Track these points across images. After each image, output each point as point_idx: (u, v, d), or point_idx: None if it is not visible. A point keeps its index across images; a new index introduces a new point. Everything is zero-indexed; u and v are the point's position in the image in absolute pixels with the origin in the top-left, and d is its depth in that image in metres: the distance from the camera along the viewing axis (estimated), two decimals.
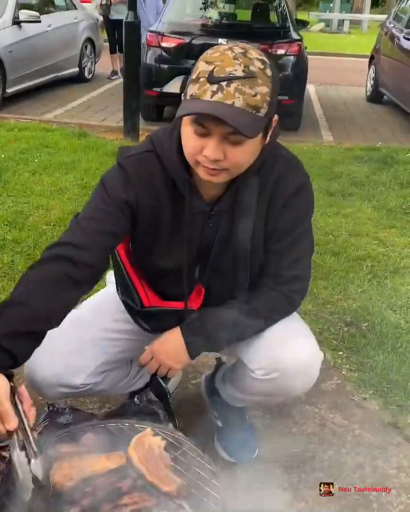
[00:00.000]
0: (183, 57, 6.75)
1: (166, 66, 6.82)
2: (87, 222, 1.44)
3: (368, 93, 9.51)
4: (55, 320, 1.37)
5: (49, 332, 1.62)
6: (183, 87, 6.51)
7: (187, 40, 6.74)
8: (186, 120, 1.33)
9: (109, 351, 1.66)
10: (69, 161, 5.08)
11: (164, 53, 6.82)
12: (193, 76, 1.30)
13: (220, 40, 6.50)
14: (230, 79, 1.25)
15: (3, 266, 3.14)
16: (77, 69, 9.45)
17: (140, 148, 1.51)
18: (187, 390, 2.27)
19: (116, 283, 1.77)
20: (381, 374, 2.38)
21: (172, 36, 6.80)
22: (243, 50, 1.29)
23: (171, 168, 1.46)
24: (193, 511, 1.17)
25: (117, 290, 1.76)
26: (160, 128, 1.54)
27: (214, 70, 1.25)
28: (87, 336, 1.64)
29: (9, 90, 7.61)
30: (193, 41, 6.70)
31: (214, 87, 1.25)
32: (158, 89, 6.79)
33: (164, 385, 1.64)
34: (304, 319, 2.70)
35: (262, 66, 1.29)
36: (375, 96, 9.20)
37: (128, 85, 6.14)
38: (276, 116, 1.37)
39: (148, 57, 6.85)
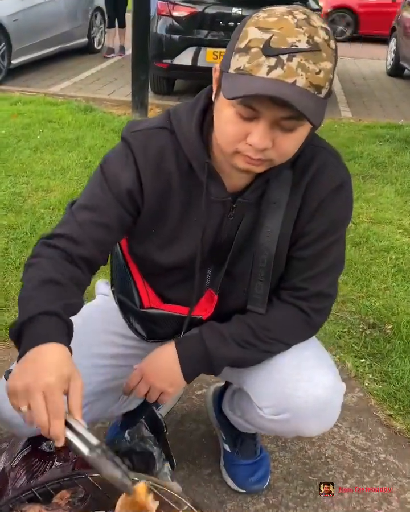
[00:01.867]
0: (195, 27, 6.41)
1: (177, 36, 6.47)
2: (82, 212, 1.23)
3: (389, 67, 9.14)
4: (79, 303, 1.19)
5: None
6: (195, 59, 6.36)
7: (199, 8, 6.36)
8: (225, 100, 1.06)
9: (95, 381, 1.39)
10: (73, 137, 4.81)
11: (175, 23, 6.46)
12: (241, 45, 1.02)
13: (235, 9, 6.17)
14: (292, 52, 0.98)
15: None
16: (85, 40, 9.13)
17: (153, 123, 1.26)
18: (190, 402, 2.03)
19: (112, 280, 1.52)
20: (408, 386, 2.13)
21: (183, 4, 6.42)
22: (305, 16, 1.02)
23: (188, 149, 1.21)
24: None
25: (112, 288, 1.52)
26: (182, 103, 1.28)
27: (272, 39, 0.99)
28: None
29: (14, 62, 7.33)
30: (206, 10, 6.34)
31: (272, 61, 0.99)
32: (168, 61, 6.48)
33: (159, 415, 1.39)
34: None
35: (326, 37, 1.02)
36: (396, 70, 8.84)
37: (137, 57, 5.81)
38: None
39: (158, 27, 6.51)
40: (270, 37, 0.99)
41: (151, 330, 1.44)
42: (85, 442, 0.97)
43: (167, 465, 1.31)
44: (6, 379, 1.03)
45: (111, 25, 9.05)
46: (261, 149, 1.07)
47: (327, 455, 1.84)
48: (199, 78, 6.46)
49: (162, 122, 1.24)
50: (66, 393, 0.99)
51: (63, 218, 1.25)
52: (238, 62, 1.03)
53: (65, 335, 1.07)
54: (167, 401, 1.38)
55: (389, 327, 2.48)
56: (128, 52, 8.70)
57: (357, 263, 3.01)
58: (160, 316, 1.39)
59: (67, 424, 0.97)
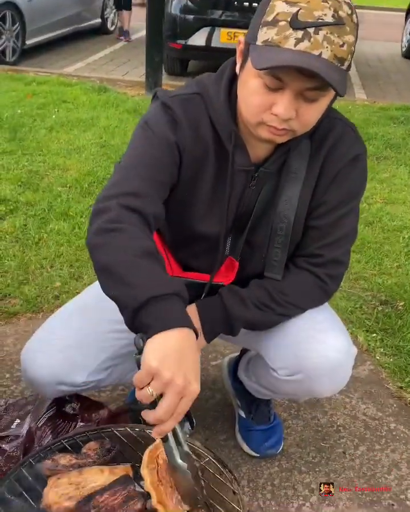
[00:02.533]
0: (209, 7, 6.41)
1: (191, 16, 6.47)
2: (140, 169, 1.21)
3: (404, 49, 9.06)
4: None
5: (46, 322, 1.44)
6: (209, 39, 6.35)
7: None
8: (253, 71, 1.10)
9: (115, 345, 1.45)
10: (88, 118, 4.84)
11: (189, 3, 6.45)
12: (268, 18, 1.07)
13: None
14: (319, 25, 1.03)
15: (15, 230, 2.95)
16: (99, 20, 9.12)
17: (186, 90, 1.29)
18: (205, 372, 2.09)
19: None
20: None
21: None
22: None
23: (216, 117, 1.25)
24: None
25: None
26: (205, 74, 1.31)
27: (300, 13, 1.04)
28: (89, 328, 1.42)
29: (28, 42, 7.34)
30: None
31: (299, 34, 1.04)
32: (183, 42, 6.48)
33: None
34: (336, 296, 2.53)
35: (349, 11, 1.07)
36: None
37: (151, 38, 5.82)
38: None
39: (173, 7, 6.51)
40: (298, 11, 1.03)
41: None
42: (179, 447, 1.04)
43: (187, 424, 1.36)
44: (136, 345, 1.02)
45: (119, 6, 8.94)
46: (285, 119, 1.12)
47: (338, 424, 1.90)
48: (213, 59, 6.44)
49: (193, 89, 1.27)
50: None
51: (118, 176, 1.22)
52: (266, 34, 1.07)
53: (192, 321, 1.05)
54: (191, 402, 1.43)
55: (401, 304, 2.52)
56: (138, 34, 8.76)
57: (370, 242, 3.04)
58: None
59: None
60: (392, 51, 9.40)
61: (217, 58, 6.75)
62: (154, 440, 1.15)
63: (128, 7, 8.82)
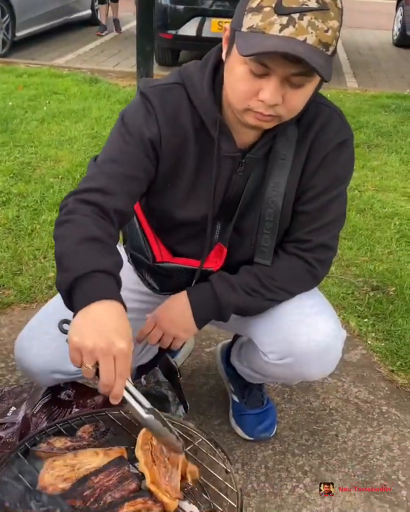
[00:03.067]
0: None
1: (182, 7, 6.46)
2: (110, 165, 1.24)
3: (395, 37, 9.05)
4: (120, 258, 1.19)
5: (40, 311, 1.46)
6: (200, 29, 6.32)
7: None
8: (239, 57, 1.11)
9: None
10: (79, 109, 4.84)
11: None
12: (253, 4, 1.07)
13: None
14: (303, 11, 1.04)
15: (7, 222, 2.96)
16: (89, 12, 9.08)
17: (167, 80, 1.30)
18: (199, 359, 2.11)
19: (123, 237, 1.58)
20: None
21: None
22: None
23: (200, 104, 1.26)
24: None
25: (124, 245, 1.59)
26: (190, 62, 1.32)
27: None
28: None
29: (19, 34, 7.31)
30: None
31: (284, 19, 1.04)
32: (173, 32, 6.47)
33: (173, 362, 1.47)
34: (327, 282, 2.55)
35: None
36: (403, 41, 8.76)
37: (142, 28, 5.76)
38: None
39: None
40: None
41: (163, 283, 1.50)
42: (141, 405, 1.06)
43: (181, 407, 1.38)
44: (61, 330, 1.08)
45: (102, 0, 8.61)
46: (271, 105, 1.13)
47: (331, 407, 1.92)
48: (204, 48, 6.35)
49: (175, 79, 1.29)
50: None
51: (89, 173, 1.26)
52: (251, 21, 1.08)
53: (117, 292, 1.09)
54: (178, 347, 1.45)
55: (392, 289, 2.55)
56: (129, 25, 8.68)
57: (361, 229, 3.07)
58: (172, 269, 1.45)
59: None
60: (382, 39, 9.40)
61: (208, 48, 6.67)
62: None
63: None
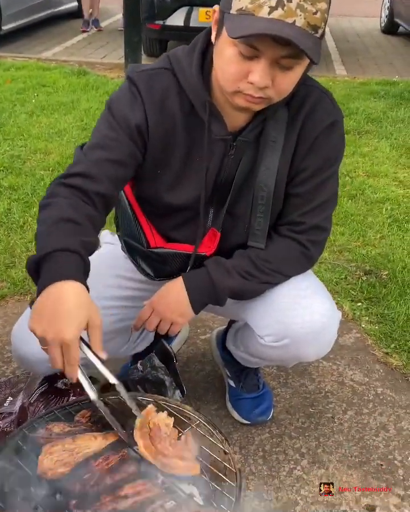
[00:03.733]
0: None
1: None
2: (94, 151, 1.26)
3: (383, 24, 9.03)
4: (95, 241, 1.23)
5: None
6: (188, 19, 6.29)
7: None
8: (228, 39, 1.11)
9: (106, 320, 1.45)
10: (68, 101, 4.81)
11: None
12: None
13: None
14: None
15: None
16: (75, 4, 8.99)
17: (155, 65, 1.30)
18: (195, 346, 2.12)
19: (117, 224, 1.58)
20: (404, 326, 2.21)
21: None
22: None
23: (189, 88, 1.26)
24: (204, 501, 1.03)
25: (118, 232, 1.59)
26: (179, 47, 1.32)
27: None
28: None
29: (5, 27, 7.25)
30: None
31: (273, 2, 1.04)
32: (161, 22, 6.43)
33: (169, 347, 1.47)
34: (320, 268, 2.56)
35: None
36: (390, 28, 8.74)
37: (129, 19, 5.75)
38: None
39: None
40: None
41: (158, 269, 1.50)
42: (92, 389, 1.11)
43: (177, 392, 1.39)
44: (31, 307, 1.09)
45: None
46: (261, 87, 1.13)
47: (326, 390, 1.94)
48: (192, 38, 6.37)
49: (164, 63, 1.29)
50: (86, 329, 1.06)
51: (75, 159, 1.28)
52: (240, 3, 1.08)
53: (81, 272, 1.10)
54: (176, 332, 1.45)
55: (385, 273, 2.56)
56: (116, 17, 8.55)
57: (353, 215, 3.08)
58: (166, 254, 1.46)
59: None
60: (370, 26, 9.38)
61: None
62: (145, 407, 1.17)
63: None
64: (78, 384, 1.59)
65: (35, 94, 4.96)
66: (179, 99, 1.27)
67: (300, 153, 1.33)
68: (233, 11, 1.09)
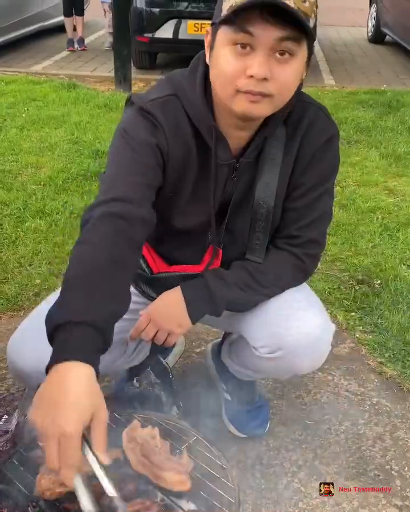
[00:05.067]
0: (175, 0, 6.37)
1: (157, 9, 6.44)
2: (126, 175, 1.22)
3: (370, 34, 9.12)
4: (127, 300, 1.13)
5: (31, 313, 1.45)
6: (176, 32, 6.33)
7: None
8: (222, 41, 1.12)
9: None
10: (59, 114, 4.82)
11: None
12: None
13: None
14: None
15: None
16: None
17: (160, 92, 1.29)
18: (190, 359, 2.12)
19: None
20: (398, 336, 2.23)
21: None
22: None
23: (194, 114, 1.26)
24: None
25: None
26: (176, 71, 1.33)
27: None
28: None
29: None
30: None
31: None
32: (150, 35, 6.46)
33: (165, 363, 1.47)
34: (314, 278, 2.57)
35: None
36: (377, 37, 8.83)
37: (118, 32, 5.80)
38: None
39: (138, 1, 6.47)
40: None
41: (162, 292, 1.49)
42: (92, 501, 0.93)
43: (174, 407, 1.39)
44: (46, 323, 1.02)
45: (67, 13, 7.84)
46: (261, 78, 1.11)
47: (322, 401, 1.94)
48: (181, 50, 6.46)
49: (168, 90, 1.28)
50: (88, 425, 0.93)
51: (105, 185, 1.23)
52: (228, 3, 1.09)
53: (97, 351, 1.01)
54: (173, 342, 1.45)
55: (378, 282, 2.57)
56: (102, 31, 8.55)
57: (344, 224, 3.09)
58: (171, 277, 1.47)
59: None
60: (357, 36, 9.46)
61: (185, 50, 6.72)
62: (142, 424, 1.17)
63: (81, 12, 7.96)
64: None
65: (25, 108, 4.97)
66: (190, 125, 1.28)
67: (299, 169, 1.35)
68: (225, 11, 1.10)
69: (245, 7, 1.06)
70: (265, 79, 1.12)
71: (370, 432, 1.82)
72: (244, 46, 1.11)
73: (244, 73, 1.12)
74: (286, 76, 1.15)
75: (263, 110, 1.19)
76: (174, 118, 1.27)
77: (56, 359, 0.97)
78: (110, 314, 1.04)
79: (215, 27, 1.15)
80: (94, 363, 0.98)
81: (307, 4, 1.08)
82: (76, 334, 0.98)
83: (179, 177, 1.31)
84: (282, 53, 1.11)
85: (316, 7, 1.13)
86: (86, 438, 0.92)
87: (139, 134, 1.24)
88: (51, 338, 1.01)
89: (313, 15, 1.11)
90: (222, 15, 1.11)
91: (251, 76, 1.11)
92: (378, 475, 1.67)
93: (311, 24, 1.11)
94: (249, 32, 1.09)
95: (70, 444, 0.90)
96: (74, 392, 0.92)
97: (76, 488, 0.92)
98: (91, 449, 0.92)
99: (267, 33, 1.08)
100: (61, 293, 1.06)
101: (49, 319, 1.02)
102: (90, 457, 0.92)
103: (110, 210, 1.15)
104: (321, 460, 1.71)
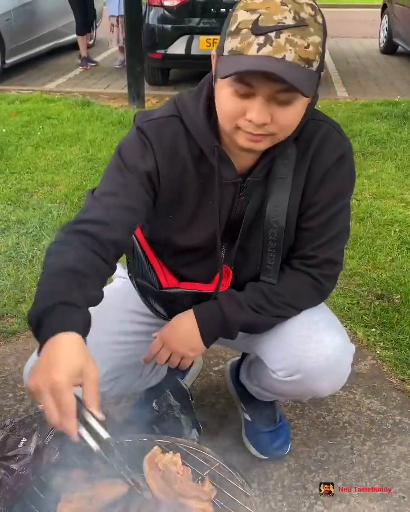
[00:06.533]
0: (186, 16, 6.45)
1: (169, 26, 6.50)
2: (106, 197, 1.25)
3: (382, 45, 9.12)
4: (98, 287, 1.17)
5: None
6: (189, 47, 6.37)
7: None
8: (223, 82, 1.12)
9: (116, 356, 1.45)
10: (73, 132, 4.86)
11: (166, 12, 6.48)
12: (232, 28, 1.09)
13: None
14: (279, 29, 1.05)
15: (7, 249, 2.96)
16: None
17: (163, 112, 1.31)
18: (208, 378, 2.10)
19: (128, 265, 1.58)
20: None
21: None
22: None
23: (196, 134, 1.27)
24: None
25: (129, 273, 1.58)
26: (185, 90, 1.33)
27: (260, 18, 1.05)
28: (90, 341, 1.42)
29: (8, 61, 7.36)
30: None
31: (261, 39, 1.05)
32: (162, 51, 6.51)
33: (184, 385, 1.46)
34: (332, 293, 2.52)
35: (312, 12, 1.08)
36: (389, 48, 8.83)
37: (131, 49, 5.85)
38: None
39: (150, 18, 6.54)
40: (258, 17, 1.05)
41: (171, 309, 1.49)
42: (96, 438, 0.97)
43: (194, 431, 1.37)
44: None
45: (80, 32, 7.84)
46: (260, 125, 1.13)
47: (344, 420, 1.91)
48: (194, 66, 6.50)
49: (171, 110, 1.29)
50: (80, 384, 0.98)
51: (86, 205, 1.27)
52: (230, 44, 1.09)
53: (81, 326, 1.05)
54: (187, 366, 1.44)
55: (397, 297, 2.54)
56: (113, 49, 8.57)
57: (362, 238, 3.06)
58: (180, 294, 1.45)
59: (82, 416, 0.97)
60: (369, 47, 9.47)
61: (197, 66, 6.75)
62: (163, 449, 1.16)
63: (88, 30, 8.03)
64: None
65: (40, 127, 5.02)
66: (188, 145, 1.28)
67: (311, 188, 1.33)
68: (225, 53, 1.11)
69: (242, 73, 1.07)
70: (265, 123, 1.12)
71: (394, 452, 1.78)
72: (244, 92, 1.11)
73: (244, 115, 1.13)
74: (287, 118, 1.15)
75: (266, 145, 1.20)
76: (171, 139, 1.28)
77: (44, 339, 1.01)
78: (86, 298, 1.09)
79: (218, 57, 1.15)
80: (79, 331, 1.03)
81: (310, 48, 1.07)
82: (57, 314, 1.03)
83: (177, 197, 1.32)
84: (281, 98, 1.11)
85: (322, 47, 1.10)
86: (79, 399, 0.97)
87: (129, 158, 1.27)
88: (38, 333, 1.05)
89: (318, 57, 1.09)
90: (223, 67, 1.10)
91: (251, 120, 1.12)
92: (404, 497, 1.63)
93: (315, 66, 1.09)
94: (248, 84, 1.09)
95: (62, 392, 0.94)
96: (64, 352, 0.98)
97: (81, 435, 0.97)
98: (85, 407, 0.97)
99: (265, 87, 1.09)
100: (35, 298, 1.10)
101: (30, 316, 1.07)
102: (85, 412, 0.97)
103: (81, 229, 1.19)
104: (344, 482, 1.68)
